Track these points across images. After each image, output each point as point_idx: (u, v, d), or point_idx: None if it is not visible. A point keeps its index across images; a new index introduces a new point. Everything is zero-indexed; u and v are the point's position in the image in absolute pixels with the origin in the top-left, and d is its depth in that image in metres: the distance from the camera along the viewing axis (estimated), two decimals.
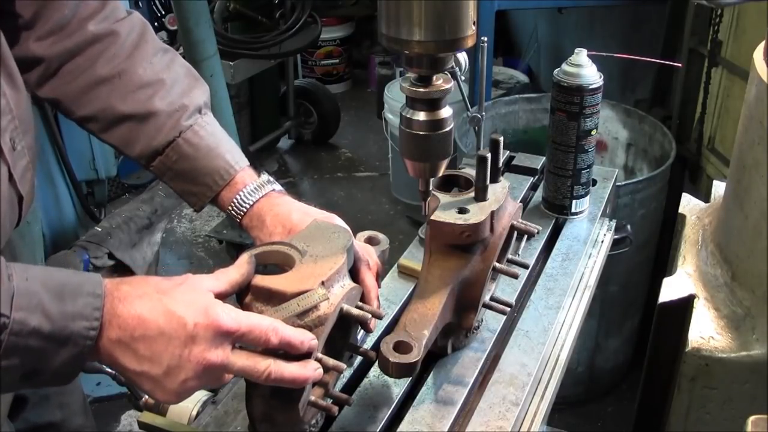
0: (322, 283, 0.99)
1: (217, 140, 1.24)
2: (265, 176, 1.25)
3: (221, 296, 0.94)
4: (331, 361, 0.98)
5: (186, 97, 1.23)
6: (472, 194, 1.18)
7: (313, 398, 1.01)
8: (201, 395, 1.19)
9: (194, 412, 1.18)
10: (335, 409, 1.03)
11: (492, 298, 1.24)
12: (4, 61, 1.00)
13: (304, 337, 0.94)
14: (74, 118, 1.24)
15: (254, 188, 1.22)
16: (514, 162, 1.83)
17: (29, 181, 1.09)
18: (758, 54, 1.61)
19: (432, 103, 1.02)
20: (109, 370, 1.47)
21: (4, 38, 1.00)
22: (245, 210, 1.22)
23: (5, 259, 0.83)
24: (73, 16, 1.18)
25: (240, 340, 0.91)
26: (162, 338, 0.87)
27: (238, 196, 1.22)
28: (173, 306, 0.88)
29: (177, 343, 0.87)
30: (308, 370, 0.94)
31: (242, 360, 0.91)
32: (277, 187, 1.25)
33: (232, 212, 1.23)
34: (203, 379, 0.90)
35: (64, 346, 0.84)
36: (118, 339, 0.87)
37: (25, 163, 1.06)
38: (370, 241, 1.26)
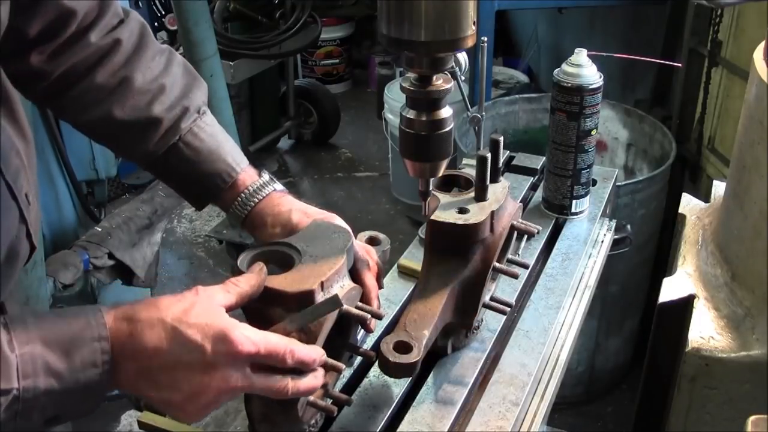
0: (322, 283, 0.99)
1: (218, 142, 1.23)
2: (266, 176, 1.25)
3: (230, 309, 0.95)
4: (330, 362, 0.98)
5: (185, 99, 1.22)
6: (472, 194, 1.18)
7: (312, 398, 1.01)
8: None
9: None
10: (334, 409, 1.03)
11: (492, 298, 1.24)
12: (16, 114, 0.99)
13: (316, 355, 0.95)
14: (72, 124, 1.23)
15: (256, 189, 1.22)
16: (514, 162, 1.83)
17: (38, 228, 1.07)
18: (758, 54, 1.61)
19: (432, 103, 1.02)
20: None
21: (17, 93, 0.99)
22: (247, 211, 1.21)
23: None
24: (76, 29, 1.15)
25: (258, 362, 0.92)
26: (181, 366, 0.87)
27: (240, 198, 1.21)
28: (189, 333, 0.88)
29: (198, 370, 0.88)
30: (318, 379, 0.97)
31: (261, 381, 0.92)
32: (278, 186, 1.25)
33: (235, 213, 1.23)
34: (224, 399, 0.91)
35: (79, 394, 0.85)
36: (137, 371, 0.88)
37: (35, 213, 1.05)
38: (371, 241, 1.26)
